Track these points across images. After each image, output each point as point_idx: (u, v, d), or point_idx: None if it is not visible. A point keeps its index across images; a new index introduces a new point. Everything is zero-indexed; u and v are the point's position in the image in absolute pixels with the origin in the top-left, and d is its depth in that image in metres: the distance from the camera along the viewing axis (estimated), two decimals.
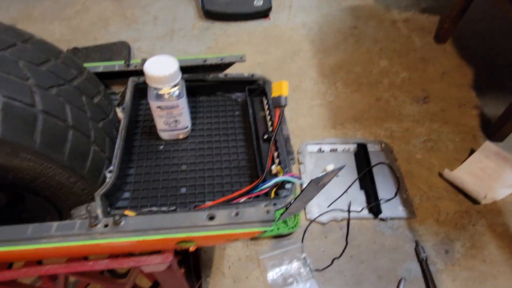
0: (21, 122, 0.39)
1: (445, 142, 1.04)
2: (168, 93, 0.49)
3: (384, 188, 0.92)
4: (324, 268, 0.78)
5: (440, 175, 0.95)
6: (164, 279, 0.50)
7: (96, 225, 0.40)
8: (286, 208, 0.44)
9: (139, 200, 0.49)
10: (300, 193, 0.44)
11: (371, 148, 1.00)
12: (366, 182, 0.92)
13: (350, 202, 0.88)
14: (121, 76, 0.62)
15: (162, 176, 0.51)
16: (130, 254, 0.45)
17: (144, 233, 0.40)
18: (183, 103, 0.51)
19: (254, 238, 0.83)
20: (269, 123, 0.57)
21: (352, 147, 1.01)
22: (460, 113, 1.12)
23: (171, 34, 1.39)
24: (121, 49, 1.23)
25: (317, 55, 1.32)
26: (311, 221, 0.86)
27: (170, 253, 0.44)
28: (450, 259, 0.81)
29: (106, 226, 0.40)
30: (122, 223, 0.40)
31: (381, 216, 0.87)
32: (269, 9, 1.48)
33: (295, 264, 0.78)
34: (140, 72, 0.61)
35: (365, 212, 0.87)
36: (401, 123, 1.09)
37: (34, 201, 0.48)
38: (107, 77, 0.62)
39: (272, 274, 0.76)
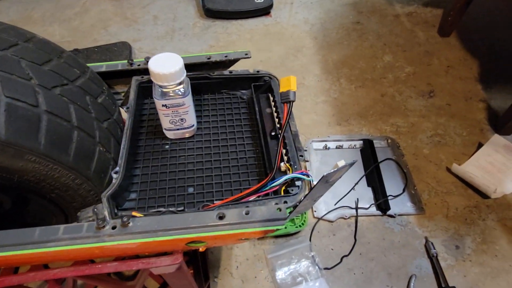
0: (25, 123, 0.38)
1: (452, 136, 1.03)
2: (173, 91, 0.48)
3: (392, 184, 0.90)
4: (333, 266, 0.77)
5: (448, 170, 0.94)
6: (173, 280, 0.50)
7: (104, 227, 0.39)
8: (296, 206, 0.43)
9: (146, 200, 0.48)
10: (311, 190, 0.43)
11: (377, 144, 0.99)
12: (373, 178, 0.91)
13: (357, 199, 0.87)
14: (124, 75, 0.61)
15: (168, 176, 0.51)
16: (138, 256, 0.44)
17: (153, 234, 0.39)
18: (189, 101, 0.50)
19: (262, 237, 0.82)
20: (276, 120, 0.56)
21: (358, 143, 1.00)
22: (466, 107, 1.10)
23: (172, 33, 1.38)
24: (122, 50, 1.22)
25: (320, 51, 1.30)
26: (319, 219, 0.85)
27: (180, 254, 0.43)
28: (461, 255, 0.79)
29: (114, 228, 0.39)
30: (130, 224, 0.39)
31: (389, 212, 0.85)
32: (270, 6, 1.47)
33: (304, 263, 0.77)
34: (143, 71, 0.61)
35: (373, 209, 0.86)
36: (407, 118, 1.08)
37: (39, 204, 0.47)
38: (110, 77, 0.61)
39: (281, 273, 0.75)
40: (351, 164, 0.43)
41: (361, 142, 0.99)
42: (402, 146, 1.00)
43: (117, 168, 0.46)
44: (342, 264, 0.78)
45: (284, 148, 0.50)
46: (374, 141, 0.99)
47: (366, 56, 1.28)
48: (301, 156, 0.49)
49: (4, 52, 0.40)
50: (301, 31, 1.40)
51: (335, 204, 0.87)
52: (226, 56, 0.61)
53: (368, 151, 0.96)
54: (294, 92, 0.47)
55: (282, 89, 0.48)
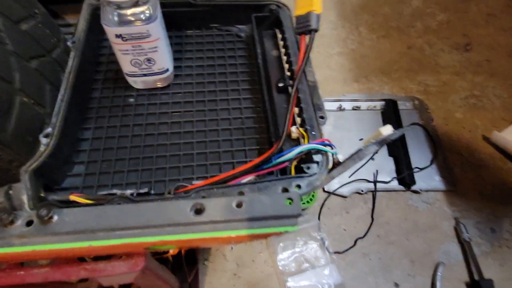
0: None
1: (491, 98, 0.87)
2: (133, 14, 0.32)
3: (418, 154, 0.76)
4: (345, 251, 0.65)
5: (485, 138, 0.80)
6: (141, 283, 0.37)
7: (12, 223, 0.25)
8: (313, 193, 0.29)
9: (97, 176, 0.33)
10: (334, 168, 0.29)
11: (402, 106, 0.83)
12: (396, 147, 0.76)
13: (376, 171, 0.73)
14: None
15: (132, 142, 0.36)
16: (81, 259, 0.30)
17: (90, 236, 0.25)
18: (158, 31, 0.33)
19: None
20: (286, 66, 0.40)
21: (379, 104, 0.84)
22: (509, 64, 0.93)
23: None
24: None
25: None
26: (330, 194, 0.72)
27: (142, 257, 0.30)
28: (497, 240, 0.67)
29: (29, 224, 0.25)
30: (54, 219, 0.25)
31: (413, 187, 0.72)
32: None
33: (311, 246, 0.65)
34: None
35: (395, 183, 0.73)
36: (438, 75, 0.91)
37: None
38: (57, 1, 0.44)
39: (283, 258, 0.63)
40: (399, 134, 0.29)
41: (383, 103, 0.84)
42: (431, 108, 0.84)
43: (49, 129, 0.31)
44: (356, 248, 0.66)
45: (297, 106, 0.35)
46: (398, 102, 0.83)
47: (390, 0, 1.07)
48: (322, 117, 0.33)
49: None
50: None
51: (349, 177, 0.73)
52: None
53: (390, 114, 0.81)
54: (318, 16, 0.30)
55: (299, 11, 0.31)
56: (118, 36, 0.32)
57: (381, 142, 0.28)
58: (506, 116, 0.84)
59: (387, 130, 0.28)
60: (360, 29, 1.00)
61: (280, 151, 0.31)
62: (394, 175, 0.74)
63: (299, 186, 0.29)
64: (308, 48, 0.31)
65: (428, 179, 0.74)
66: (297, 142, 0.34)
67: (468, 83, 0.89)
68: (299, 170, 0.31)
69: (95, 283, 0.35)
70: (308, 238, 0.66)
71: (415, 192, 0.72)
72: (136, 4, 0.31)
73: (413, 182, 0.72)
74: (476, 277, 0.62)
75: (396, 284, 0.63)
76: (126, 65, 0.36)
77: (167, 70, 0.38)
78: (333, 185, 0.72)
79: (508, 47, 0.96)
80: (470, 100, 0.87)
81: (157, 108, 0.38)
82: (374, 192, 0.72)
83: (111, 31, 0.32)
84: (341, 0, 1.07)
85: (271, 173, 0.31)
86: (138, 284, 0.35)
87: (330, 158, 0.31)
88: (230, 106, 0.39)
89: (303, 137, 0.33)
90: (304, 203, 0.68)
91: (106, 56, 0.42)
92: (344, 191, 0.72)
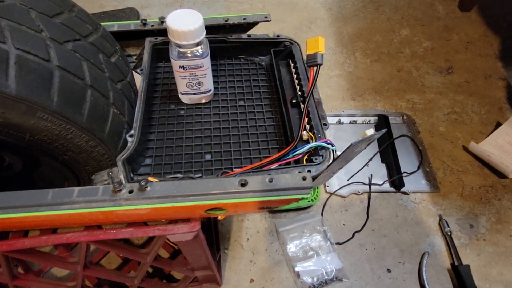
0: (36, 78, 0.35)
1: (469, 114, 0.99)
2: (191, 52, 0.45)
3: (406, 161, 0.88)
4: (345, 241, 0.77)
5: (465, 148, 0.92)
6: (188, 249, 0.48)
7: (120, 190, 0.37)
8: (319, 175, 0.41)
9: (162, 166, 0.46)
10: (336, 159, 0.41)
11: (392, 120, 0.96)
12: (388, 155, 0.88)
13: (371, 175, 0.85)
14: (137, 37, 0.58)
15: (185, 142, 0.48)
16: (146, 223, 0.42)
17: (172, 199, 0.37)
18: (207, 63, 0.47)
19: (273, 210, 0.81)
20: (298, 88, 0.53)
21: (373, 119, 0.97)
22: (485, 85, 1.06)
23: (181, 1, 1.32)
24: (130, 16, 1.18)
25: (335, 23, 1.25)
26: (331, 194, 0.84)
27: (197, 221, 0.42)
28: (475, 234, 0.78)
29: (131, 192, 0.37)
30: (148, 189, 0.37)
31: (403, 189, 0.84)
32: None
33: (316, 237, 0.76)
34: (157, 32, 0.57)
35: (387, 186, 0.85)
36: (423, 94, 1.04)
37: (50, 167, 0.46)
38: (122, 38, 0.57)
39: (292, 247, 0.75)
40: (380, 133, 0.41)
41: (376, 117, 0.96)
42: (418, 123, 0.97)
43: (132, 132, 0.43)
44: (354, 240, 0.77)
45: (307, 116, 0.48)
46: (389, 117, 0.96)
47: (382, 30, 1.23)
48: (325, 124, 0.46)
49: (13, 0, 0.37)
50: (315, 1, 1.33)
51: (348, 180, 0.85)
52: (244, 19, 0.58)
53: (383, 127, 0.93)
54: (322, 55, 0.44)
55: (309, 51, 0.44)
56: (181, 66, 0.46)
57: (367, 141, 0.41)
58: (483, 130, 0.96)
59: (370, 131, 0.40)
60: (355, 54, 1.15)
61: (295, 148, 0.44)
62: (386, 178, 0.86)
63: (309, 171, 0.41)
64: (315, 77, 0.44)
65: (415, 182, 0.86)
66: (306, 142, 0.46)
67: (450, 101, 1.03)
68: (309, 161, 0.43)
69: (158, 245, 0.46)
70: (313, 231, 0.77)
71: (404, 193, 0.84)
72: (195, 46, 0.45)
73: (403, 185, 0.84)
74: (456, 263, 0.73)
75: (388, 270, 0.74)
76: (182, 86, 0.49)
77: (210, 90, 0.51)
78: (333, 187, 0.84)
79: (485, 71, 1.10)
80: (452, 116, 0.99)
81: (202, 118, 0.51)
82: (369, 193, 0.84)
83: (176, 63, 0.45)
84: (339, 30, 1.22)
85: (289, 163, 0.44)
86: (189, 248, 0.47)
87: (331, 153, 0.44)
88: (256, 117, 0.52)
89: (311, 138, 0.46)
90: (309, 201, 0.80)
91: (160, 79, 0.56)
92: (343, 192, 0.84)
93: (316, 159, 0.43)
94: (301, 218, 0.79)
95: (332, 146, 0.43)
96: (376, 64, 1.12)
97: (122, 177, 0.40)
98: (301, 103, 0.50)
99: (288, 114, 0.50)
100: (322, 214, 0.80)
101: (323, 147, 0.43)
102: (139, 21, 0.56)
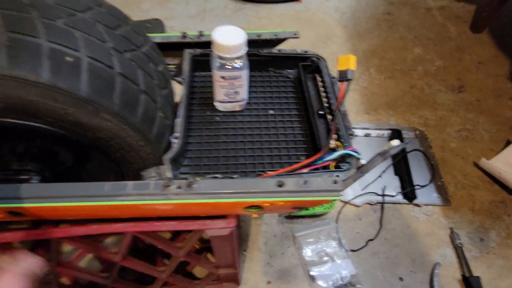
0: (102, 82, 0.40)
1: (480, 132, 1.03)
2: (232, 64, 0.50)
3: (419, 174, 0.91)
4: (359, 249, 0.80)
5: (475, 164, 0.95)
6: (220, 245, 0.52)
7: (169, 186, 0.41)
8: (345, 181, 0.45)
9: (201, 167, 0.50)
10: (363, 166, 0.45)
11: (405, 134, 1.00)
12: (401, 167, 0.92)
13: (384, 187, 0.89)
14: (175, 48, 0.63)
15: (221, 146, 0.53)
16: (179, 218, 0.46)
17: (216, 196, 0.41)
18: (245, 74, 0.51)
19: (289, 216, 0.85)
20: (325, 100, 0.57)
21: (386, 132, 1.00)
22: (496, 104, 1.10)
23: (203, 14, 1.38)
24: (156, 27, 1.24)
25: (350, 40, 1.30)
26: (345, 203, 0.87)
27: (234, 218, 0.46)
28: (485, 247, 0.81)
29: (179, 187, 0.41)
30: (195, 185, 0.41)
31: (415, 201, 0.87)
32: None
33: (331, 243, 0.79)
34: (194, 45, 0.62)
35: (400, 197, 0.88)
36: (435, 111, 1.08)
37: (99, 163, 0.50)
38: (161, 49, 0.62)
39: (308, 252, 0.78)
40: (404, 144, 0.45)
41: (389, 131, 1.00)
42: (430, 138, 1.00)
43: (177, 134, 0.48)
44: (368, 248, 0.80)
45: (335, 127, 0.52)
46: (402, 132, 1.00)
47: (396, 48, 1.28)
48: (351, 134, 0.50)
49: (83, 14, 0.42)
50: (332, 19, 1.39)
51: (362, 190, 0.88)
52: (275, 35, 0.63)
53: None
54: (353, 71, 0.48)
55: (340, 67, 0.49)
56: (222, 77, 0.50)
57: (391, 151, 0.45)
58: (493, 147, 1.00)
59: (396, 142, 0.44)
60: (370, 71, 1.19)
61: (324, 155, 0.48)
62: (399, 190, 0.89)
63: (338, 176, 0.45)
64: (346, 91, 0.49)
65: (427, 195, 0.89)
66: (333, 150, 0.50)
67: (461, 118, 1.06)
68: (336, 167, 0.47)
69: (193, 239, 0.50)
70: (328, 237, 0.80)
71: (416, 205, 0.87)
72: (236, 59, 0.49)
73: (415, 197, 0.87)
74: (467, 275, 0.76)
75: (401, 278, 0.76)
76: (220, 95, 0.54)
77: (245, 99, 0.56)
78: (348, 196, 0.88)
79: (496, 90, 1.14)
80: (463, 132, 1.03)
81: (236, 124, 0.56)
82: (382, 203, 0.87)
83: (217, 73, 0.50)
84: (354, 46, 1.27)
85: (316, 168, 0.48)
86: (221, 244, 0.51)
87: (357, 160, 0.47)
88: (285, 125, 0.56)
89: (338, 147, 0.50)
90: (324, 209, 0.84)
91: (197, 88, 0.60)
92: (357, 201, 0.87)
93: (343, 165, 0.47)
94: (316, 225, 0.83)
95: (359, 155, 0.47)
96: (389, 80, 1.16)
97: (168, 174, 0.44)
98: (327, 114, 0.55)
99: (315, 124, 0.54)
100: (336, 222, 0.84)
101: (350, 155, 0.47)
102: (179, 33, 0.61)
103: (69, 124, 0.40)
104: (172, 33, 0.61)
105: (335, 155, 0.46)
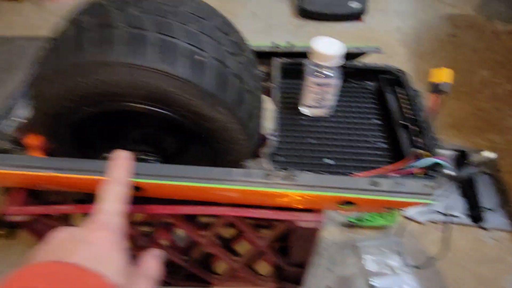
0: (221, 80, 0.46)
1: None
2: (326, 72, 0.54)
3: (486, 197, 0.89)
4: (422, 266, 0.79)
5: None
6: (302, 239, 0.55)
7: (271, 175, 0.45)
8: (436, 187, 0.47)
9: (290, 164, 0.54)
10: (452, 176, 0.47)
11: (471, 156, 0.98)
12: (467, 188, 0.90)
13: (449, 206, 0.87)
14: (263, 56, 0.69)
15: (307, 147, 0.56)
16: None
17: (316, 188, 0.44)
18: (337, 82, 0.55)
19: (349, 225, 0.86)
20: (406, 112, 0.60)
21: (451, 153, 0.99)
22: None
23: (269, 29, 1.46)
24: None
25: (413, 59, 1.31)
26: (408, 218, 0.87)
27: (321, 213, 0.49)
28: None
29: (280, 177, 0.45)
30: (296, 177, 0.45)
31: (483, 224, 0.85)
32: (363, 11, 1.50)
33: (394, 257, 0.79)
34: (281, 54, 0.67)
35: (465, 219, 0.86)
36: (504, 135, 1.05)
37: (200, 152, 0.56)
38: None
39: (370, 262, 0.78)
40: (495, 156, 0.46)
41: (454, 152, 0.99)
42: (499, 162, 0.97)
43: (274, 132, 0.53)
44: (431, 266, 0.79)
45: (418, 137, 0.54)
46: (468, 153, 0.98)
47: (461, 70, 1.26)
48: (438, 144, 0.52)
49: (207, 21, 0.49)
50: (393, 38, 1.41)
51: (425, 207, 0.88)
52: (358, 49, 0.66)
53: (462, 162, 0.95)
54: (448, 84, 0.50)
55: (433, 79, 0.51)
56: (315, 83, 0.55)
57: (482, 161, 0.46)
58: None
59: (489, 153, 0.46)
60: None
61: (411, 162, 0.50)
62: (465, 211, 0.87)
63: (431, 181, 0.47)
64: (439, 101, 0.51)
65: (496, 219, 0.86)
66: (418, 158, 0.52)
67: None
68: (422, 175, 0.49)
69: (279, 230, 0.54)
70: (391, 251, 0.80)
71: (483, 228, 0.85)
72: (331, 67, 0.54)
73: (482, 220, 0.85)
74: None
75: None
76: (309, 100, 0.58)
77: (331, 106, 0.59)
78: (411, 212, 0.87)
79: None
80: None
81: (320, 128, 0.59)
82: (447, 223, 0.85)
83: (312, 80, 0.54)
84: (416, 66, 1.28)
85: (404, 174, 0.50)
86: (303, 239, 0.54)
87: (446, 170, 0.49)
88: (368, 133, 0.59)
89: (426, 156, 0.51)
90: (387, 222, 0.84)
91: (283, 93, 0.65)
92: (420, 218, 0.87)
93: (432, 173, 0.48)
94: (378, 237, 0.83)
95: (447, 164, 0.49)
96: (454, 101, 1.15)
97: (269, 165, 0.48)
98: (410, 125, 0.57)
99: (399, 133, 0.56)
100: (399, 236, 0.84)
101: (439, 164, 0.49)
102: (270, 44, 0.67)
103: (191, 114, 0.46)
104: (263, 43, 0.67)
105: (425, 162, 0.48)
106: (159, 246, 0.60)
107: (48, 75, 0.44)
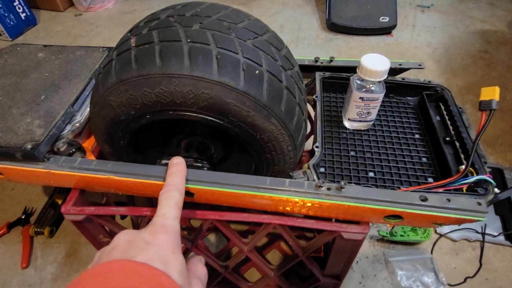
0: (276, 93, 0.48)
1: None
2: (372, 87, 0.55)
3: None
4: (457, 285, 0.77)
5: None
6: (341, 251, 0.56)
7: (321, 187, 0.47)
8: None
9: (334, 176, 0.55)
10: (497, 195, 0.47)
11: (507, 174, 0.96)
12: (504, 207, 0.88)
13: (485, 225, 0.86)
14: (305, 70, 0.71)
15: (350, 159, 0.58)
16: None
17: (363, 201, 0.45)
18: (381, 97, 0.57)
19: (381, 239, 0.86)
20: (451, 128, 0.60)
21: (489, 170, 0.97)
22: None
23: (297, 41, 1.49)
24: None
25: (443, 75, 1.30)
26: (441, 236, 0.86)
27: (367, 225, 0.50)
28: None
29: (329, 189, 0.47)
30: (344, 189, 0.46)
31: None
32: (394, 26, 1.50)
33: (428, 274, 0.78)
34: (323, 68, 0.69)
35: (502, 238, 0.84)
36: None
37: (245, 161, 0.57)
38: None
39: (403, 278, 0.78)
40: None
41: (489, 170, 0.97)
42: None
43: (318, 144, 0.54)
44: (466, 285, 0.78)
45: (464, 154, 0.54)
46: (504, 171, 0.96)
47: (494, 86, 1.24)
48: (485, 162, 0.52)
49: (262, 37, 0.51)
50: (423, 53, 1.41)
51: (459, 225, 0.86)
52: (400, 65, 0.67)
53: (497, 180, 0.94)
54: (497, 102, 0.51)
55: (483, 97, 0.52)
56: (360, 97, 0.56)
57: None
58: None
59: None
60: (465, 106, 1.18)
61: (464, 177, 0.50)
62: (500, 230, 0.85)
63: (481, 198, 0.47)
64: (488, 120, 0.51)
65: None
66: (465, 176, 0.52)
67: None
68: (471, 192, 0.49)
69: (322, 241, 0.54)
70: (425, 268, 0.79)
71: None
72: (377, 82, 0.55)
73: None
74: None
75: None
76: (352, 113, 0.59)
77: (373, 120, 0.60)
78: (444, 229, 0.86)
79: None
80: None
81: (362, 142, 0.60)
82: (482, 242, 0.84)
83: (357, 94, 0.56)
84: (448, 81, 1.27)
85: (449, 190, 0.50)
86: (343, 250, 0.54)
87: (493, 187, 0.49)
88: (410, 148, 0.59)
89: (471, 173, 0.52)
90: (420, 238, 0.83)
91: (324, 106, 0.67)
92: (454, 236, 0.85)
93: (480, 190, 0.49)
94: (410, 253, 0.82)
95: (493, 182, 0.49)
96: None
97: (315, 176, 0.50)
98: (455, 141, 0.57)
99: (442, 149, 0.57)
100: (431, 253, 0.83)
101: (485, 181, 0.49)
102: (312, 58, 0.69)
103: (245, 125, 0.48)
104: (305, 57, 0.69)
105: (473, 179, 0.48)
106: (197, 251, 0.62)
107: (114, 85, 0.47)
